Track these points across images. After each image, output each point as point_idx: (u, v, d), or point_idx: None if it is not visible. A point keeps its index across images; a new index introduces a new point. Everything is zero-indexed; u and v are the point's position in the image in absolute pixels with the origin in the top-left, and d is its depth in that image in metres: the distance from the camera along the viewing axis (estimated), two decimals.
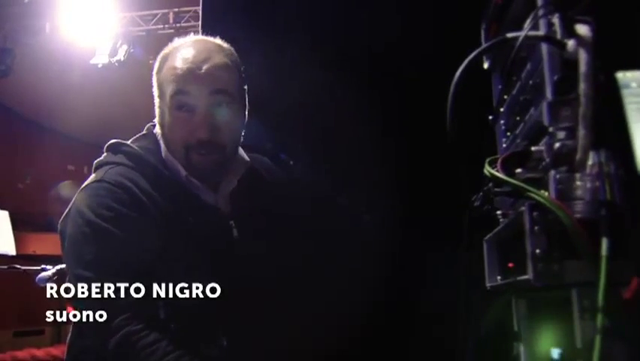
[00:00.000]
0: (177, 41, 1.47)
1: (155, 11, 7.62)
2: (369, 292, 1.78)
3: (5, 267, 3.52)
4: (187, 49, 1.42)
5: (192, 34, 1.51)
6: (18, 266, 3.50)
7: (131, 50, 7.46)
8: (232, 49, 1.49)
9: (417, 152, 1.89)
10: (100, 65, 7.47)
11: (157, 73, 1.45)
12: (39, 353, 7.05)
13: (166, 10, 7.59)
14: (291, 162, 1.95)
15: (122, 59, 7.40)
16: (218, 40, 1.48)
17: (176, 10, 7.52)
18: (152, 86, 1.46)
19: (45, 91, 8.26)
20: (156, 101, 1.45)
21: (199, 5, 2.33)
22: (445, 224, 1.26)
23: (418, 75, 1.91)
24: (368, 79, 2.02)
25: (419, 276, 1.88)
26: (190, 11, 7.41)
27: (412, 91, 1.94)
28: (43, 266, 2.94)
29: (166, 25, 7.56)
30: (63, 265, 3.08)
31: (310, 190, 1.84)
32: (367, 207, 1.92)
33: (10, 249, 3.41)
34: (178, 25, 7.47)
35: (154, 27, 7.60)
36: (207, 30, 2.15)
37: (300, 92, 2.00)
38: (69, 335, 1.45)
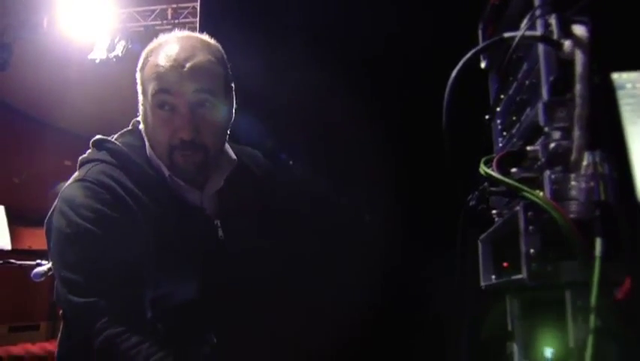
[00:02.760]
0: (162, 37, 1.43)
1: (153, 7, 7.60)
2: (365, 291, 1.78)
3: (1, 262, 3.51)
4: (171, 45, 1.38)
5: (177, 29, 1.48)
6: (13, 261, 3.49)
7: (129, 46, 7.45)
8: (218, 45, 1.45)
9: (417, 150, 1.90)
10: (97, 61, 7.47)
11: (140, 70, 1.42)
12: (34, 348, 7.05)
13: (164, 6, 7.57)
14: (291, 162, 1.95)
15: (120, 54, 7.39)
16: (204, 36, 1.44)
17: (175, 6, 7.51)
18: (135, 83, 1.44)
19: (42, 86, 8.23)
20: (139, 98, 1.42)
21: (197, 1, 2.32)
22: (445, 223, 1.26)
23: (416, 74, 1.92)
24: (368, 78, 2.02)
25: (419, 275, 1.89)
26: (188, 7, 7.40)
27: (411, 90, 1.94)
28: (38, 261, 2.93)
29: (164, 21, 7.54)
30: None
31: (307, 187, 1.84)
32: (367, 206, 1.92)
33: (5, 244, 3.40)
34: (176, 21, 7.45)
35: (152, 23, 7.59)
36: (205, 26, 2.15)
37: (300, 90, 2.00)
38: (59, 333, 1.44)
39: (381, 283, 1.84)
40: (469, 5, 1.32)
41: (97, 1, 7.15)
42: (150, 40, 1.46)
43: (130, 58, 7.32)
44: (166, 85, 1.34)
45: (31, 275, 2.77)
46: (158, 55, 1.37)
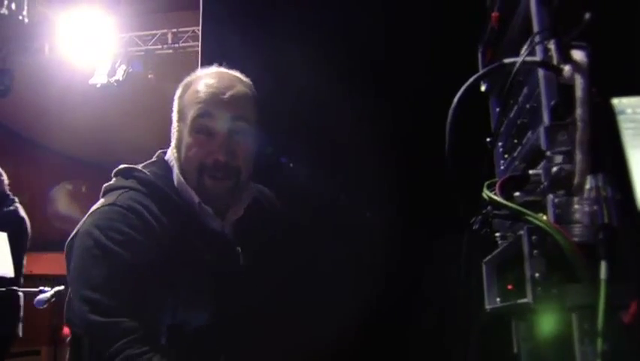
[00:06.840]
0: (200, 71, 1.53)
1: (153, 31, 7.67)
2: (372, 296, 1.79)
3: (4, 289, 3.50)
4: (210, 76, 1.48)
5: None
6: (16, 288, 3.49)
7: (130, 70, 7.50)
8: (250, 82, 1.54)
9: (418, 151, 1.90)
10: (99, 85, 7.51)
11: (179, 97, 1.50)
12: None
13: (165, 31, 7.64)
14: (291, 165, 1.97)
15: (121, 78, 7.44)
16: (238, 73, 1.53)
17: (175, 30, 7.58)
18: (171, 111, 1.51)
19: (44, 110, 8.28)
20: (175, 124, 1.49)
21: (198, 25, 2.34)
22: (446, 224, 1.26)
23: (418, 75, 1.94)
24: (369, 81, 2.04)
25: (421, 276, 1.89)
26: (189, 31, 7.47)
27: (413, 92, 1.96)
28: (41, 288, 2.93)
29: (164, 46, 7.61)
30: (61, 287, 3.08)
31: (308, 189, 1.85)
32: (369, 207, 1.93)
33: (8, 271, 3.39)
34: (176, 45, 7.52)
35: (152, 47, 7.65)
36: (207, 31, 2.19)
37: (301, 96, 2.02)
38: (66, 359, 1.44)
39: (387, 283, 1.84)
40: (471, 14, 1.35)
41: (97, 26, 7.21)
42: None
43: (131, 82, 7.37)
44: (207, 109, 1.42)
45: (34, 302, 2.77)
46: (198, 84, 1.47)
